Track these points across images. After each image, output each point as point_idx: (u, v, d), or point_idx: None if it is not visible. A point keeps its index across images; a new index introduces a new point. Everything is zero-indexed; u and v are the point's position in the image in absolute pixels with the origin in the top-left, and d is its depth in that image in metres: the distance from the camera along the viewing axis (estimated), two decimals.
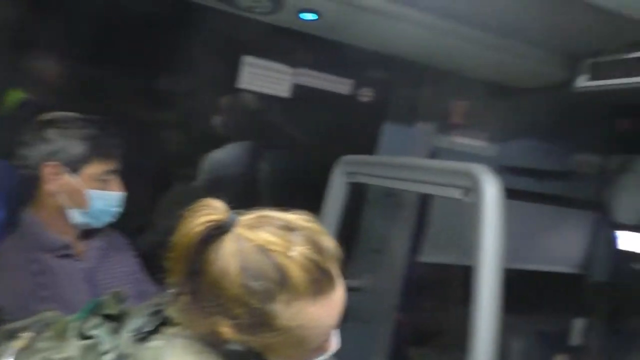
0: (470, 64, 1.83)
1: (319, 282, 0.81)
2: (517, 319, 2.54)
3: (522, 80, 1.91)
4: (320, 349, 0.90)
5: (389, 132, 2.18)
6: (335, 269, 0.86)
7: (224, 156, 2.39)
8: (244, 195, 2.42)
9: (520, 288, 2.68)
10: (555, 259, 2.72)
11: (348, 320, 2.59)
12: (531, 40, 1.67)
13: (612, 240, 2.75)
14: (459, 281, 2.31)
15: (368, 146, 2.21)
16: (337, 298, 0.86)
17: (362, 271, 2.38)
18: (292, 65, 1.97)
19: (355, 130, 2.20)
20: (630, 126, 2.27)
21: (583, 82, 1.61)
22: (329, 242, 0.87)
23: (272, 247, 0.79)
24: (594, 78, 1.57)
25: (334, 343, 0.94)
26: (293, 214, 0.86)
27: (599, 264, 2.77)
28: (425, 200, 2.24)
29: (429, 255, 2.32)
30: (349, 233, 2.35)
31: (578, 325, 2.83)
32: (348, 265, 2.42)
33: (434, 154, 2.19)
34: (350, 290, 2.59)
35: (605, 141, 2.49)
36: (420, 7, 1.47)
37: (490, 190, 1.29)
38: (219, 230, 0.80)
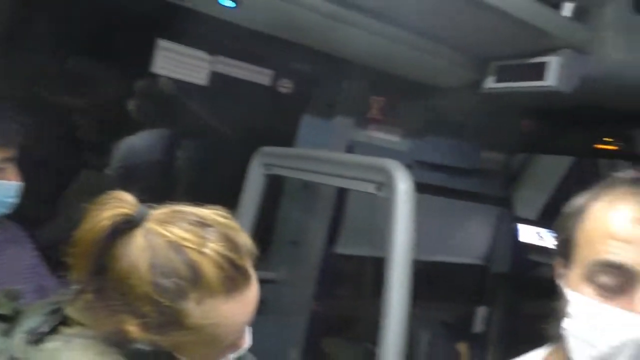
0: (389, 60, 1.88)
1: (233, 280, 0.80)
2: (425, 309, 2.66)
3: (437, 79, 1.98)
4: (233, 345, 0.88)
5: (308, 124, 2.19)
6: (249, 266, 0.85)
7: (139, 143, 2.29)
8: (159, 185, 2.34)
9: (427, 279, 2.82)
10: (461, 250, 2.87)
11: (264, 313, 2.58)
12: (446, 42, 1.74)
13: (513, 234, 2.95)
14: (373, 273, 2.37)
15: (287, 138, 2.21)
16: (251, 295, 0.85)
17: (279, 263, 2.39)
18: (212, 52, 1.91)
19: (275, 121, 2.19)
20: (533, 127, 2.43)
21: (490, 83, 1.70)
22: (244, 239, 0.85)
23: (185, 244, 0.77)
24: (499, 80, 1.67)
25: (247, 339, 0.93)
26: (208, 209, 0.85)
27: (501, 255, 2.96)
28: (341, 193, 2.27)
29: (345, 248, 2.37)
30: (266, 225, 2.34)
31: (480, 313, 3.01)
32: (265, 257, 2.41)
33: (352, 147, 2.22)
34: (266, 282, 2.57)
35: (510, 140, 2.65)
36: (339, 1, 1.48)
37: (402, 185, 1.33)
38: (128, 225, 0.77)
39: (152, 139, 2.31)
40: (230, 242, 0.81)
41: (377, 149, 2.31)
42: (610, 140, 2.15)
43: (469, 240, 2.88)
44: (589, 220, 0.75)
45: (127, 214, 0.77)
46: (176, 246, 0.77)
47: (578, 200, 0.79)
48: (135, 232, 0.77)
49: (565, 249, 0.78)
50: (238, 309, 0.82)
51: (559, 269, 0.81)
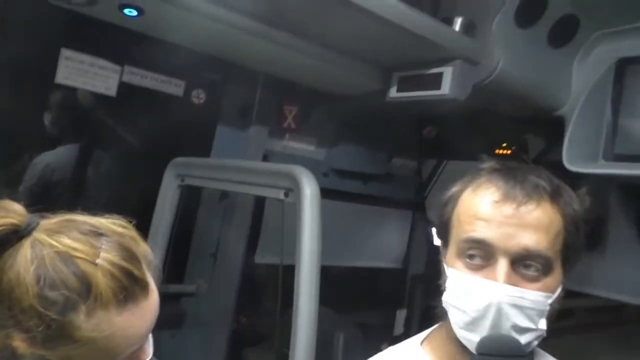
0: (297, 71, 1.93)
1: (128, 290, 0.77)
2: (346, 314, 2.72)
3: (345, 89, 2.06)
4: (134, 358, 0.85)
5: (223, 135, 2.20)
6: (148, 276, 0.83)
7: (53, 159, 2.21)
8: (72, 200, 2.26)
9: (350, 284, 2.88)
10: (380, 255, 2.96)
11: (185, 327, 2.53)
12: (351, 54, 1.82)
13: (428, 237, 3.08)
14: (291, 280, 2.40)
15: (204, 149, 2.21)
16: (150, 305, 0.82)
17: (198, 276, 2.36)
18: (120, 63, 1.88)
19: (190, 132, 2.18)
20: (439, 134, 2.58)
21: (393, 93, 1.80)
22: (143, 248, 0.84)
23: (75, 254, 0.75)
24: (400, 90, 1.76)
25: (148, 351, 0.89)
26: (104, 218, 0.83)
27: (417, 258, 3.08)
28: (258, 203, 2.29)
29: (264, 257, 2.38)
30: (184, 237, 2.32)
31: (400, 316, 3.11)
32: (184, 270, 2.38)
33: (268, 157, 2.25)
34: (186, 296, 2.53)
35: (419, 147, 2.79)
36: (245, 12, 1.51)
37: (308, 190, 1.37)
38: (14, 235, 0.74)
39: (67, 154, 2.23)
40: (126, 251, 0.80)
41: (294, 158, 2.36)
42: (506, 145, 2.32)
43: (387, 245, 2.98)
44: (460, 204, 0.87)
45: (14, 224, 0.74)
46: (65, 257, 0.75)
47: (452, 189, 0.91)
48: (22, 242, 0.74)
49: (444, 231, 0.90)
50: (134, 321, 0.79)
51: (441, 250, 0.92)
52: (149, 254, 0.85)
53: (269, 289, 2.52)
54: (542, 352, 0.98)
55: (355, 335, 2.32)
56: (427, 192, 2.98)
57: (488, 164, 0.90)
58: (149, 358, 0.88)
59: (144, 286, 0.81)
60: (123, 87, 1.91)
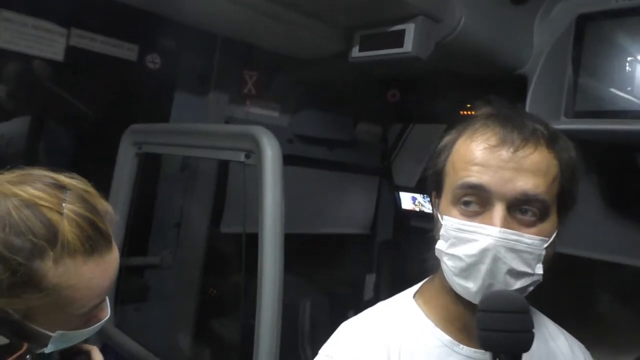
0: (256, 33, 1.86)
1: (94, 241, 0.79)
2: (314, 281, 2.72)
3: (306, 51, 1.99)
4: (93, 317, 0.87)
5: (182, 101, 2.12)
6: (110, 231, 0.84)
7: (6, 131, 2.10)
8: None
9: (318, 251, 2.88)
10: (348, 221, 2.96)
11: (149, 299, 2.48)
12: (310, 13, 1.76)
13: (395, 202, 3.09)
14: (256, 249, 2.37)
15: (161, 117, 2.13)
16: (112, 259, 0.84)
17: (162, 247, 2.31)
18: (66, 25, 1.78)
19: (146, 99, 2.09)
20: (403, 98, 2.55)
21: (355, 53, 1.75)
22: (103, 204, 0.85)
23: (41, 202, 0.75)
24: (362, 49, 1.72)
25: (107, 311, 0.91)
26: (63, 174, 0.83)
27: (384, 224, 3.09)
28: (221, 170, 2.23)
29: (229, 226, 2.34)
30: (146, 208, 2.25)
31: (369, 281, 3.14)
32: (147, 242, 2.32)
33: (228, 124, 2.19)
34: (150, 268, 2.47)
35: (383, 112, 2.76)
36: None
37: (270, 150, 1.33)
38: None
39: (21, 125, 2.12)
40: (88, 204, 0.80)
41: (257, 125, 2.30)
42: (470, 106, 2.31)
43: (354, 211, 2.97)
44: (455, 152, 0.85)
45: None
46: (31, 205, 0.75)
47: (446, 138, 0.89)
48: None
49: (438, 181, 0.87)
50: (98, 273, 0.81)
51: (434, 200, 0.90)
52: (110, 211, 0.86)
53: (235, 259, 2.49)
54: (537, 311, 0.99)
55: (321, 302, 2.32)
56: (393, 157, 2.97)
57: (483, 110, 0.88)
58: (107, 317, 0.90)
59: (107, 239, 0.83)
60: (71, 51, 1.80)
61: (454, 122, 0.91)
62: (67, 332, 0.82)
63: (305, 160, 2.55)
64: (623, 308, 2.29)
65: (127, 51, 1.92)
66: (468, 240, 0.79)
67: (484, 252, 0.77)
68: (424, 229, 0.92)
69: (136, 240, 2.16)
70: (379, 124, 2.87)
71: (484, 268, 0.77)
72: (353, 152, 2.76)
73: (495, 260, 0.77)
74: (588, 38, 1.80)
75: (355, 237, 3.05)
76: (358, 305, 3.00)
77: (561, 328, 1.01)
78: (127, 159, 1.83)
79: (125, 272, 2.05)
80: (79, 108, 2.08)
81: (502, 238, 0.76)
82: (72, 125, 2.14)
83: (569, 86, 1.82)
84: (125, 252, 2.01)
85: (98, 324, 0.88)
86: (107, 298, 0.89)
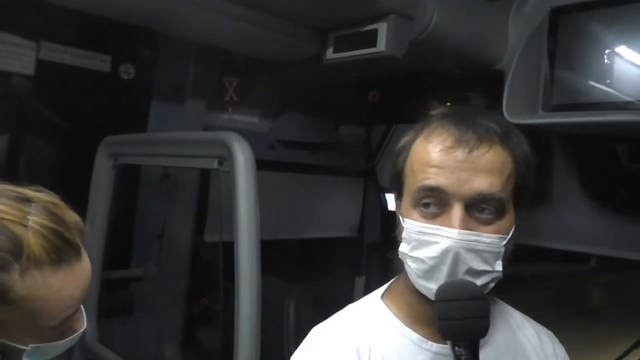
0: (231, 39, 1.85)
1: (61, 251, 0.79)
2: (306, 285, 2.70)
3: (282, 54, 1.98)
4: (68, 328, 0.85)
5: (159, 111, 2.10)
6: (79, 240, 0.83)
7: None
8: None
9: (307, 256, 2.86)
10: (335, 225, 2.94)
11: (134, 312, 2.44)
12: (284, 16, 1.75)
13: (381, 204, 3.08)
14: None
15: (138, 127, 2.10)
16: (83, 269, 0.83)
17: (145, 259, 2.28)
18: (35, 38, 1.75)
19: (122, 110, 2.07)
20: (379, 99, 2.54)
21: (330, 54, 1.74)
22: (71, 215, 0.85)
23: (4, 216, 0.75)
24: (336, 50, 1.71)
25: (82, 322, 0.90)
26: (29, 188, 0.83)
27: (372, 226, 3.07)
28: (203, 178, 2.21)
29: (213, 235, 2.31)
30: (127, 220, 2.23)
31: (359, 283, 3.12)
32: (130, 254, 2.29)
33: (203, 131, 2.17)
34: (134, 280, 2.42)
35: (364, 113, 2.75)
36: None
37: (242, 156, 1.32)
38: None
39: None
40: (55, 215, 0.80)
41: (237, 131, 2.27)
42: (450, 104, 2.30)
43: (341, 214, 2.96)
44: (412, 153, 0.86)
45: None
46: None
47: (404, 139, 0.90)
48: None
49: (398, 182, 0.89)
50: (68, 283, 0.80)
51: (396, 202, 0.91)
52: (79, 222, 0.85)
53: (219, 268, 2.47)
54: (496, 299, 1.00)
55: (307, 302, 2.30)
56: (377, 158, 2.96)
57: (438, 110, 0.89)
58: (84, 328, 0.89)
59: (76, 249, 0.82)
60: (42, 65, 1.78)
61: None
62: (40, 345, 0.81)
63: (289, 165, 2.53)
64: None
65: (99, 62, 1.89)
66: (429, 243, 0.80)
67: (444, 253, 0.78)
68: None
69: (118, 252, 2.13)
70: (361, 126, 2.86)
71: (445, 269, 0.79)
72: (337, 155, 2.74)
73: (456, 261, 0.78)
74: (562, 31, 1.80)
75: (343, 240, 3.03)
76: None
77: (527, 317, 1.02)
78: (104, 171, 1.80)
79: (107, 286, 2.03)
80: (54, 122, 2.05)
81: (461, 240, 0.78)
82: (47, 139, 2.11)
83: (546, 80, 1.82)
84: (106, 266, 1.98)
85: (74, 336, 0.87)
86: (82, 309, 0.88)
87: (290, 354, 0.96)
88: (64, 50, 1.79)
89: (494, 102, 2.24)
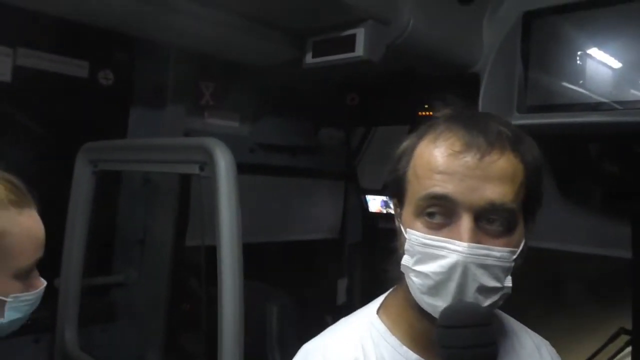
0: (211, 43, 1.85)
1: (20, 197, 0.90)
2: (287, 288, 2.70)
3: (261, 59, 1.99)
4: (30, 285, 0.94)
5: (137, 116, 2.09)
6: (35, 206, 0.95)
7: None
8: None
9: (288, 259, 2.86)
10: (316, 227, 2.95)
11: (116, 319, 2.42)
12: (263, 21, 1.76)
13: (362, 205, 3.10)
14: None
15: (117, 133, 2.09)
16: (39, 220, 0.94)
17: (126, 265, 2.26)
18: (11, 45, 1.74)
19: (100, 116, 2.05)
20: (358, 102, 2.57)
21: (309, 59, 1.76)
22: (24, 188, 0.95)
23: None
24: (315, 55, 1.73)
25: (41, 280, 0.98)
26: None
27: (353, 227, 3.10)
28: (184, 183, 2.21)
29: (195, 239, 2.31)
30: (107, 226, 2.21)
31: (342, 285, 3.13)
32: (111, 261, 2.27)
33: (188, 136, 2.16)
34: (116, 286, 2.41)
35: (343, 116, 2.77)
36: None
37: (223, 161, 1.32)
38: None
39: None
40: (9, 181, 0.92)
41: (216, 136, 2.28)
42: (429, 106, 2.34)
43: (322, 216, 2.97)
44: (416, 158, 0.79)
45: None
46: None
47: (406, 142, 0.83)
48: None
49: (399, 189, 0.81)
50: (34, 224, 0.92)
51: (396, 210, 0.84)
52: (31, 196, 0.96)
53: (200, 272, 2.46)
54: (500, 312, 0.95)
55: (289, 305, 2.31)
56: (357, 160, 2.98)
57: (444, 111, 0.82)
58: (44, 285, 0.98)
59: (32, 201, 0.94)
60: (19, 71, 1.76)
61: (415, 124, 0.87)
62: (19, 294, 0.90)
63: (269, 168, 2.54)
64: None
65: (77, 68, 1.88)
66: (435, 257, 0.73)
67: (452, 269, 0.72)
68: (392, 230, 0.89)
69: (98, 259, 2.12)
70: (341, 129, 2.88)
71: (452, 285, 0.72)
72: (317, 158, 2.76)
73: (465, 276, 0.72)
74: (535, 34, 1.84)
75: (325, 242, 3.04)
76: (332, 310, 3.00)
77: (526, 327, 0.97)
78: (84, 178, 1.79)
79: (88, 292, 2.01)
80: (32, 128, 2.03)
81: (470, 254, 0.71)
82: (25, 146, 2.09)
83: (520, 82, 1.85)
84: (87, 272, 1.97)
85: (40, 289, 0.96)
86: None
87: (274, 357, 0.95)
88: (41, 56, 1.78)
89: (470, 103, 2.29)
